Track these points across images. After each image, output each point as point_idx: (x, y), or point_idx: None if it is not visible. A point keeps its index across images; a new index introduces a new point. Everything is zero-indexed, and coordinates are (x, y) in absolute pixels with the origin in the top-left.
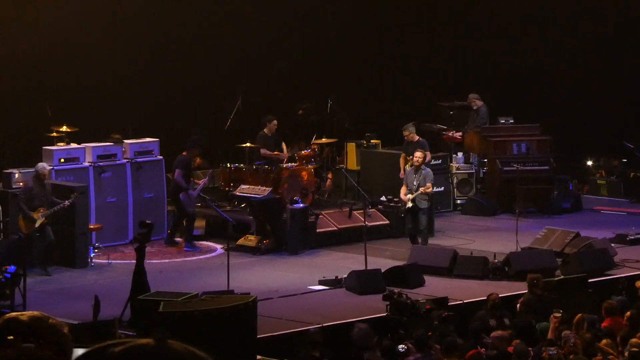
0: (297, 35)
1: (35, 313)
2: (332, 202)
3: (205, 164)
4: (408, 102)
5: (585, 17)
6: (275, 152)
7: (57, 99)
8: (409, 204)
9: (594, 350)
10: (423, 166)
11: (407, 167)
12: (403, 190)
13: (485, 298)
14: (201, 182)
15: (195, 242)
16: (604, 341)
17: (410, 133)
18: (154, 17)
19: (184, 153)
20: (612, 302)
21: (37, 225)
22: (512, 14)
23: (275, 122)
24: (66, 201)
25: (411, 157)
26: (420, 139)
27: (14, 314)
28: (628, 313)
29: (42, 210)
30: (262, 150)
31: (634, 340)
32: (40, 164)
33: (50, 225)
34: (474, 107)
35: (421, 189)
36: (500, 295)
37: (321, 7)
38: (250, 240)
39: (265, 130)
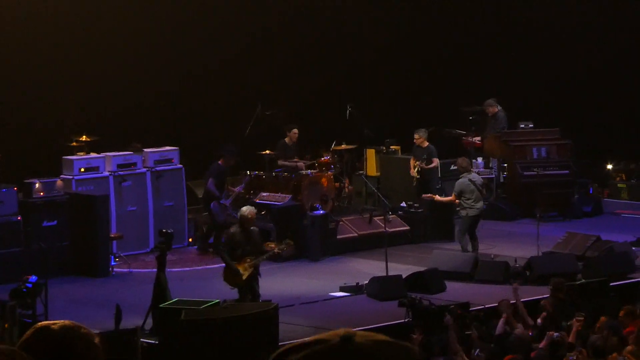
0: (317, 42)
1: (67, 322)
2: (352, 208)
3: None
4: (428, 108)
5: (605, 22)
6: (295, 159)
7: (77, 108)
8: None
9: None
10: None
11: (412, 172)
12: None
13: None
14: (236, 189)
15: None
16: (629, 347)
17: (421, 137)
18: (173, 27)
19: (220, 162)
20: (630, 307)
21: (244, 277)
22: (531, 19)
23: (296, 131)
24: (276, 249)
25: (417, 161)
26: (430, 145)
27: (45, 322)
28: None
29: (248, 261)
30: (280, 161)
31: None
32: (245, 208)
33: (257, 276)
34: (490, 114)
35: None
36: (521, 300)
37: (339, 16)
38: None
39: (286, 139)
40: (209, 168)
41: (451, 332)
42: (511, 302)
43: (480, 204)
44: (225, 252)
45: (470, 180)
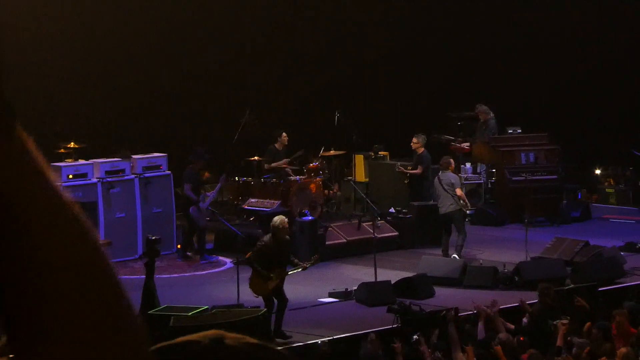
0: (304, 47)
1: None
2: (341, 214)
3: (212, 177)
4: (416, 113)
5: (595, 28)
6: (283, 164)
7: (65, 115)
8: None
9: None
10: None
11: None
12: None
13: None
14: (209, 194)
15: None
16: (623, 350)
17: (418, 142)
18: (162, 32)
19: (191, 166)
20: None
21: (270, 287)
22: (520, 26)
23: (285, 136)
24: (306, 263)
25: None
26: (424, 152)
27: None
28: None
29: (276, 271)
30: (267, 166)
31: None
32: (276, 218)
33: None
34: (482, 120)
35: None
36: (510, 305)
37: (327, 19)
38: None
39: (276, 144)
40: (183, 174)
41: (451, 325)
42: (490, 310)
43: (442, 204)
44: (255, 260)
45: (438, 178)
